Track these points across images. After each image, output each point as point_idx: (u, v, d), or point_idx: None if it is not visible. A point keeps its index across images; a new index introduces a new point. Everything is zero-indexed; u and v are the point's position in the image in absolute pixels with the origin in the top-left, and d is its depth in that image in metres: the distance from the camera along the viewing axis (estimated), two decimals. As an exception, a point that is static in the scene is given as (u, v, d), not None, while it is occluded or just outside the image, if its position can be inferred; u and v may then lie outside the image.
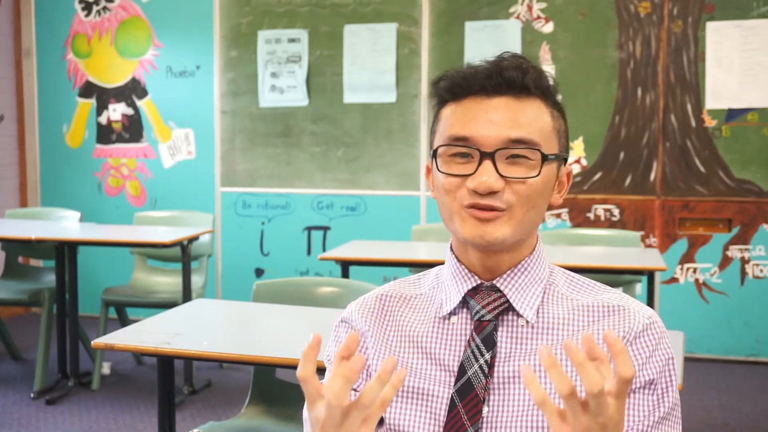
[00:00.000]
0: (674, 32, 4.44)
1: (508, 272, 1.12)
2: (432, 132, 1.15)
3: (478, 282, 1.12)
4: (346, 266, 3.44)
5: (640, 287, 3.85)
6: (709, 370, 4.32)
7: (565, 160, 1.13)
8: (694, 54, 4.42)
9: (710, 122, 4.41)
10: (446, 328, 1.14)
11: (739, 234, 4.43)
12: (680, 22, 4.43)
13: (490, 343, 1.09)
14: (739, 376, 4.26)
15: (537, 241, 1.15)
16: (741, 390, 4.04)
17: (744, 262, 4.43)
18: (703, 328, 4.47)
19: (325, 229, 5.03)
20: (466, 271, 1.13)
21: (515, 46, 4.59)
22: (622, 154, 4.54)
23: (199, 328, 2.25)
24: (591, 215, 4.61)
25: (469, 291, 1.12)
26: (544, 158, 1.07)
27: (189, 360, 3.57)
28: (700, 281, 4.49)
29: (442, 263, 1.24)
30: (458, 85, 1.10)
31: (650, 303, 3.28)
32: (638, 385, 1.05)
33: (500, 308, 1.11)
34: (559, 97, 1.14)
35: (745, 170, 4.38)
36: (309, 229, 5.06)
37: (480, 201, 1.06)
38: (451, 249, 1.17)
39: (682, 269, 4.51)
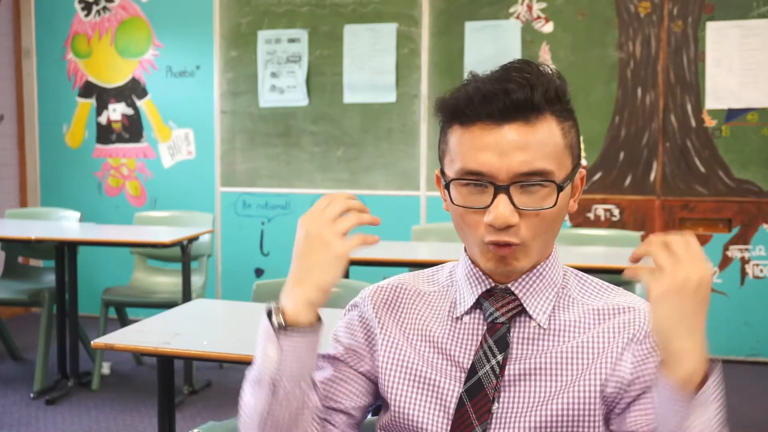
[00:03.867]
0: (674, 32, 4.44)
1: (524, 276, 1.12)
2: (441, 150, 1.13)
3: (493, 285, 1.13)
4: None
5: (640, 287, 3.85)
6: (709, 370, 4.32)
7: (579, 165, 1.11)
8: (694, 54, 4.42)
9: (710, 122, 4.41)
10: (459, 327, 1.14)
11: (739, 234, 4.43)
12: (680, 22, 4.43)
13: (503, 345, 1.10)
14: (739, 376, 4.26)
15: (553, 247, 1.15)
16: (741, 390, 4.04)
17: (744, 262, 4.43)
18: (703, 328, 4.46)
19: (325, 229, 5.02)
20: (481, 273, 1.14)
21: (515, 46, 4.59)
22: (622, 154, 4.54)
23: (199, 328, 2.25)
24: (591, 215, 4.62)
25: (483, 293, 1.13)
26: (559, 188, 1.06)
27: (189, 360, 3.57)
28: (700, 281, 4.48)
29: (442, 263, 1.24)
30: (464, 113, 1.06)
31: (650, 303, 3.27)
32: (652, 384, 1.06)
33: (513, 311, 1.11)
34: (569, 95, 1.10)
35: (745, 170, 4.38)
36: (309, 229, 5.05)
37: (498, 239, 1.05)
38: (466, 251, 1.17)
39: (682, 269, 4.50)
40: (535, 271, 1.12)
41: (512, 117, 1.04)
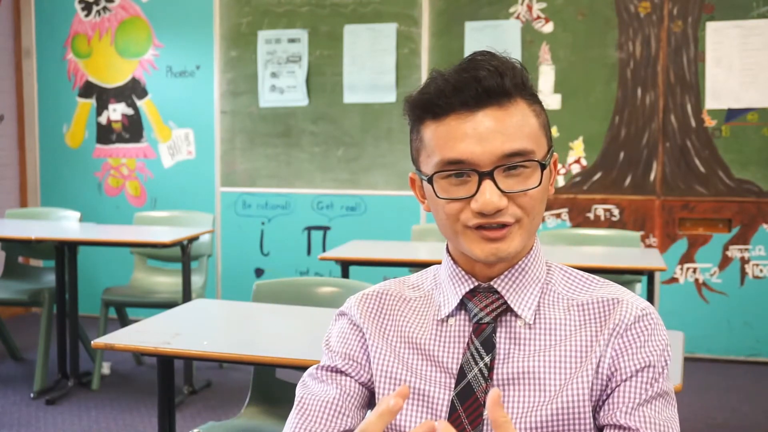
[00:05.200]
0: (674, 32, 4.44)
1: (506, 273, 1.11)
2: (414, 150, 1.12)
3: (476, 284, 1.12)
4: (346, 266, 3.44)
5: (640, 287, 3.85)
6: (709, 370, 4.32)
7: (552, 147, 1.12)
8: (694, 54, 4.42)
9: (710, 122, 4.41)
10: (445, 330, 1.13)
11: (738, 234, 4.43)
12: (680, 22, 4.43)
13: (490, 345, 1.09)
14: (739, 376, 4.26)
15: (535, 240, 1.14)
16: (741, 390, 4.04)
17: (744, 262, 4.43)
18: (703, 328, 4.47)
19: (325, 229, 5.03)
20: (463, 273, 1.13)
21: (515, 46, 4.59)
22: (622, 154, 4.54)
23: (199, 328, 2.25)
24: (591, 215, 4.61)
25: (466, 293, 1.12)
26: (542, 167, 1.06)
27: (189, 360, 3.57)
28: (700, 281, 4.49)
29: (436, 265, 1.23)
30: (437, 105, 1.06)
31: (650, 303, 3.28)
32: (633, 372, 1.05)
33: (498, 310, 1.10)
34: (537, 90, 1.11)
35: (745, 170, 4.38)
36: (309, 229, 5.06)
37: (489, 221, 1.04)
38: (448, 251, 1.16)
39: (682, 269, 4.51)
40: (517, 266, 1.11)
41: (486, 103, 1.04)
